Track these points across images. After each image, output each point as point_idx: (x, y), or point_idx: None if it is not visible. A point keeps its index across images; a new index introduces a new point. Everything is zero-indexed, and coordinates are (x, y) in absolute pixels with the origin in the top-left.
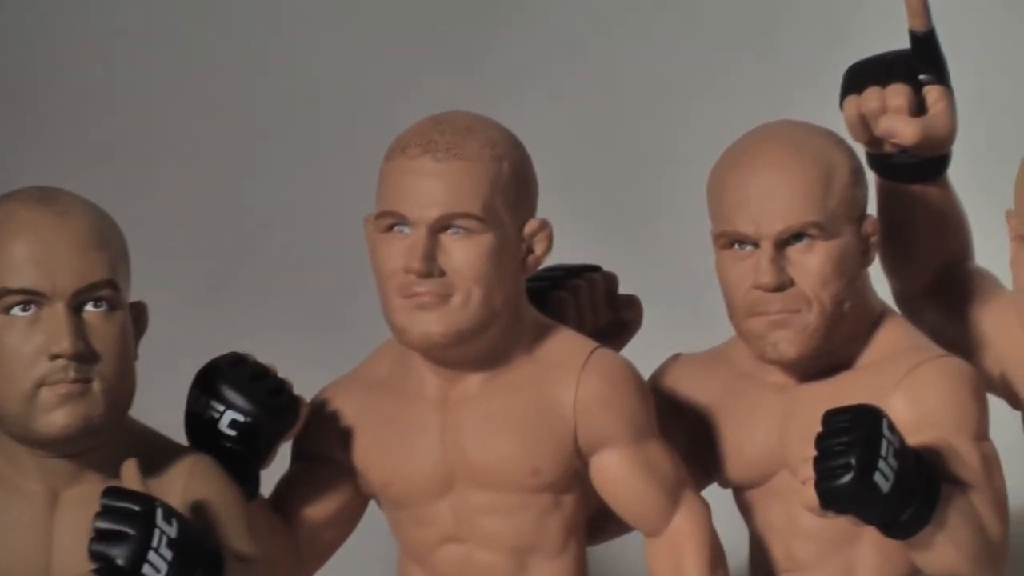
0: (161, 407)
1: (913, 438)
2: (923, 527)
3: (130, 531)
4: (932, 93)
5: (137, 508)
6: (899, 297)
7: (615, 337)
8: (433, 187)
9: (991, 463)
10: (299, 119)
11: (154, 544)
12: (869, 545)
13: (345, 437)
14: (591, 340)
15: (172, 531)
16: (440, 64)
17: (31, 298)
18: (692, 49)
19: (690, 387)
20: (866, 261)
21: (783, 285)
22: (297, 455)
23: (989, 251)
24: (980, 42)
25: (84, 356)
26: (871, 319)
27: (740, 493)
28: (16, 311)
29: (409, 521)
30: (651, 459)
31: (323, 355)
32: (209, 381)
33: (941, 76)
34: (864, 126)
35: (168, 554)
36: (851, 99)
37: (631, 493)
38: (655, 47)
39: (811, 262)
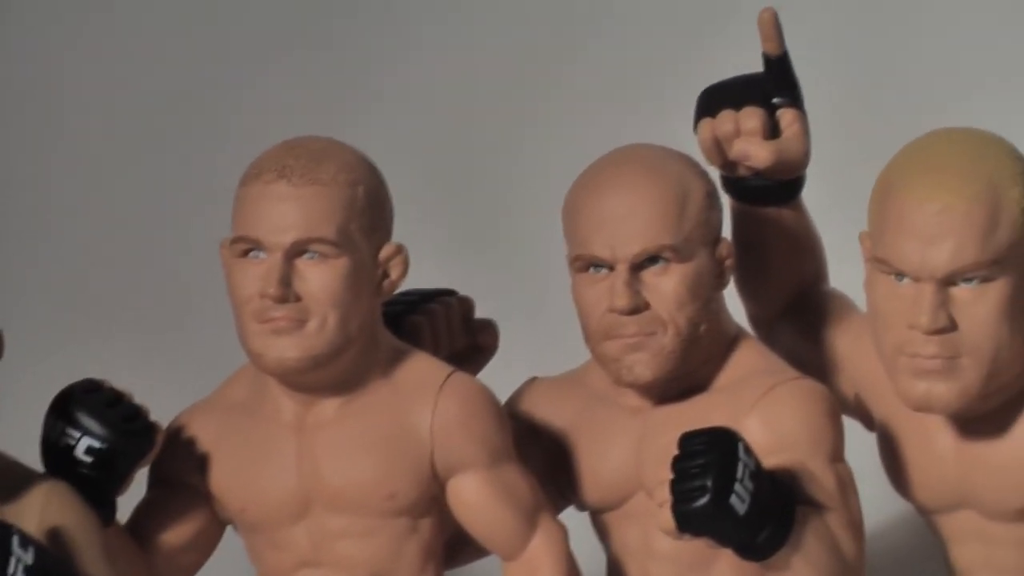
0: (14, 434)
1: (769, 460)
2: (779, 549)
3: None
4: (786, 116)
5: None
6: (754, 320)
7: (471, 361)
8: (288, 212)
9: (846, 485)
10: (150, 136)
11: (11, 571)
12: (726, 567)
13: (201, 462)
14: (447, 364)
15: (28, 558)
16: (297, 86)
17: None
18: (548, 76)
19: (546, 410)
20: (721, 284)
21: (638, 308)
22: (153, 481)
23: (843, 273)
24: (834, 66)
25: None
26: (726, 341)
27: (597, 516)
28: None
29: (265, 546)
30: (508, 483)
31: (178, 380)
32: (64, 407)
33: (795, 99)
34: (718, 149)
35: None
36: (705, 122)
37: (488, 517)
38: (512, 72)
39: (666, 285)
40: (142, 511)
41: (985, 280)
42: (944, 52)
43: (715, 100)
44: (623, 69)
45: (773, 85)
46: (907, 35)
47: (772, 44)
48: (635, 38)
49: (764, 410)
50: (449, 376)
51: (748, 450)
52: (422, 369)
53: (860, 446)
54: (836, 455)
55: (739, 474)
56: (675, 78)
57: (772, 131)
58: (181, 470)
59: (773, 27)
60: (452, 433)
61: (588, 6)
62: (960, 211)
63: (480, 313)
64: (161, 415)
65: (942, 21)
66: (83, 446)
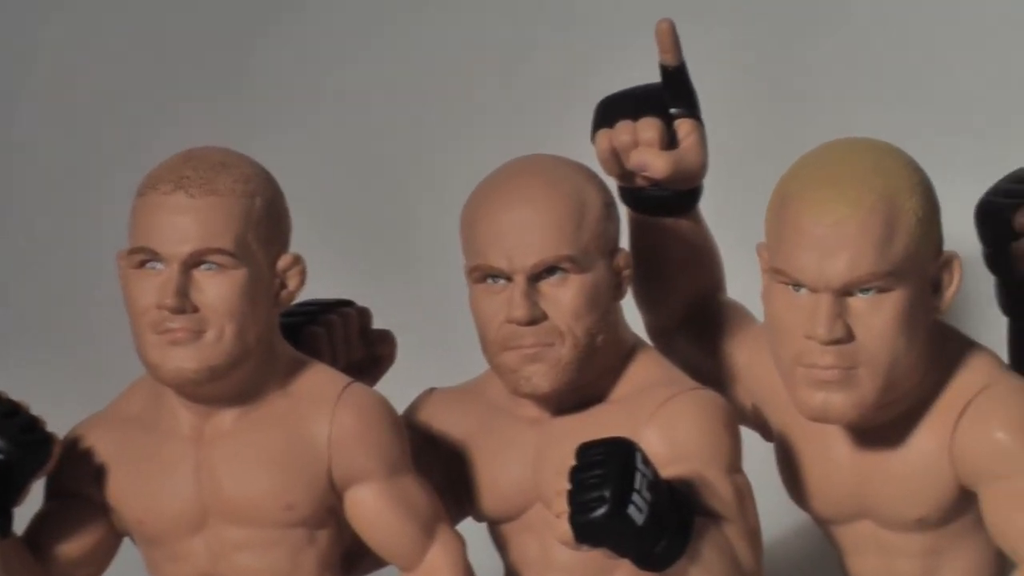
0: None
1: (666, 471)
2: (677, 560)
3: None
4: (683, 127)
5: None
6: (652, 330)
7: (369, 372)
8: (186, 223)
9: (744, 495)
10: (51, 149)
11: None
12: None
13: (98, 474)
14: (344, 375)
15: None
16: (193, 99)
17: None
18: (445, 86)
19: (444, 421)
20: (619, 294)
21: (536, 319)
22: (50, 492)
23: (741, 283)
24: (732, 77)
25: None
26: (624, 352)
27: (495, 527)
28: None
29: (163, 558)
30: (405, 494)
31: (75, 392)
32: None
33: (692, 110)
34: (616, 160)
35: None
36: (603, 133)
37: (385, 528)
38: (416, 84)
39: (564, 296)
40: (38, 523)
41: (882, 291)
42: (841, 63)
43: (612, 111)
44: (525, 81)
45: (671, 96)
46: (804, 46)
47: (670, 55)
48: (538, 53)
49: (662, 421)
50: (346, 387)
51: (646, 461)
52: (319, 380)
53: (758, 456)
54: (733, 465)
55: (637, 484)
56: (576, 91)
57: (670, 142)
58: (78, 482)
59: (670, 38)
60: (349, 444)
61: (497, 21)
62: (856, 222)
63: (378, 324)
64: (58, 427)
65: (839, 32)
66: None
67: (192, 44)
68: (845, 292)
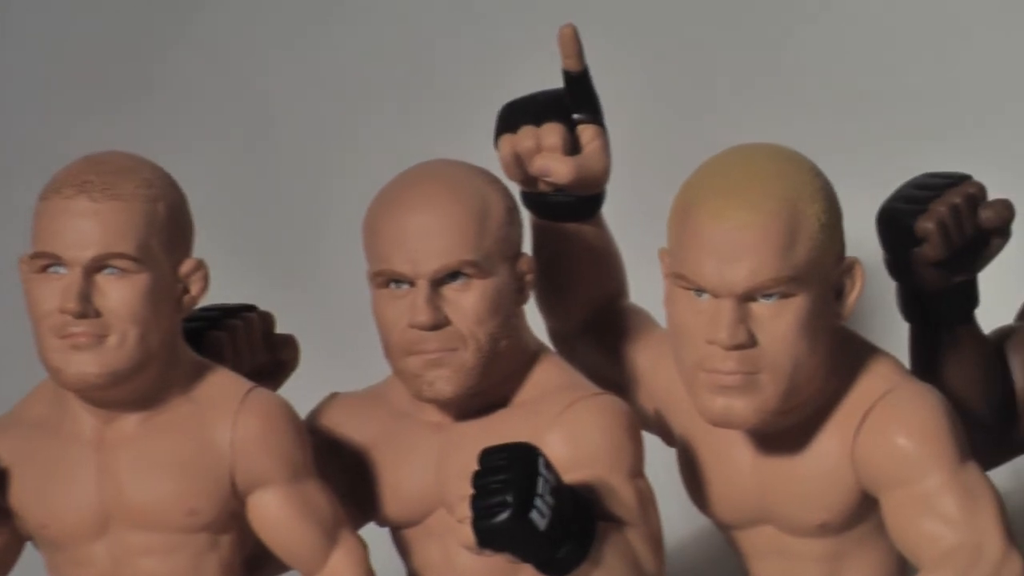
0: None
1: (569, 475)
2: (579, 565)
3: None
4: (586, 132)
5: None
6: (555, 335)
7: (272, 377)
8: (88, 227)
9: (646, 500)
10: None
11: None
12: None
13: (0, 478)
14: (247, 380)
15: None
16: (97, 104)
17: None
18: (348, 91)
19: (347, 426)
20: (522, 299)
21: (439, 324)
22: None
23: (643, 289)
24: (635, 82)
25: None
26: (527, 357)
27: (398, 532)
28: None
29: (66, 563)
30: (308, 499)
31: None
32: None
33: (595, 115)
34: (519, 165)
35: None
36: (506, 138)
37: (288, 533)
38: (311, 91)
39: (467, 301)
40: None
41: (784, 296)
42: (742, 69)
43: (516, 116)
44: (428, 86)
45: (574, 101)
46: (706, 53)
47: (573, 60)
48: (441, 58)
49: (564, 426)
50: (249, 392)
51: (549, 465)
52: (222, 385)
53: (660, 461)
54: (636, 470)
55: (540, 489)
56: (480, 96)
57: (573, 147)
58: None
59: (573, 43)
60: (252, 449)
61: (400, 27)
62: (758, 227)
63: (280, 328)
64: None
65: (741, 38)
66: None
67: (96, 49)
68: (747, 297)
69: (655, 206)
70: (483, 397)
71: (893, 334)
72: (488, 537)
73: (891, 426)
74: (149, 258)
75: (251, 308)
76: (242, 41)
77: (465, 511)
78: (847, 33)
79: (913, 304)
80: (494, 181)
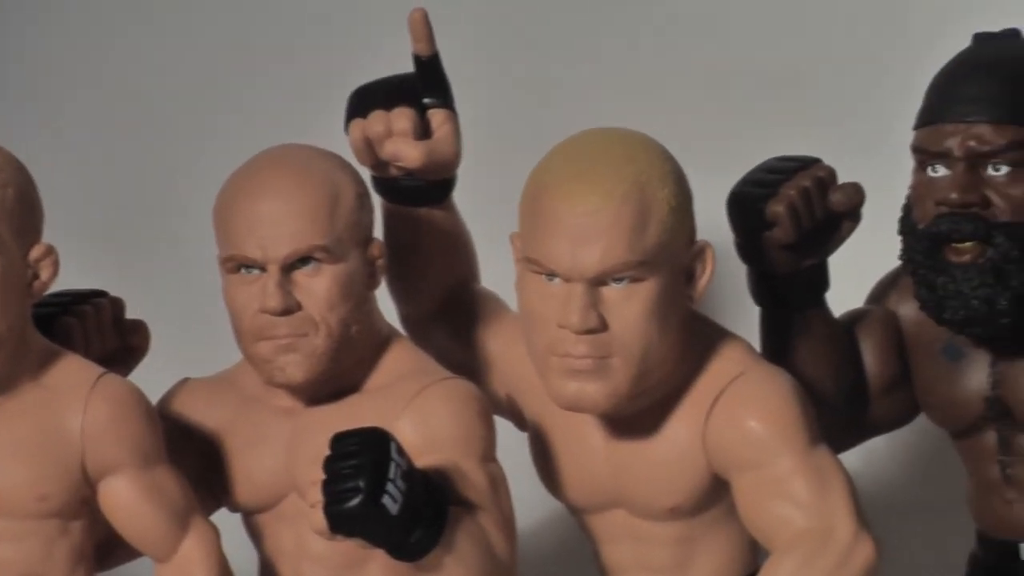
0: None
1: (421, 460)
2: (431, 549)
3: None
4: (437, 116)
5: None
6: (406, 320)
7: (122, 362)
8: None
9: (498, 484)
10: None
11: None
12: (378, 568)
13: None
14: (98, 366)
15: None
16: None
17: None
18: (197, 77)
19: (198, 412)
20: (373, 284)
21: (290, 309)
22: None
23: (495, 273)
24: (486, 67)
25: None
26: (378, 342)
27: (250, 517)
28: None
29: None
30: (159, 485)
31: None
32: None
33: (445, 99)
34: (369, 149)
35: None
36: (356, 122)
37: (139, 519)
38: (161, 77)
39: (318, 286)
40: None
41: (635, 280)
42: (593, 54)
43: (366, 101)
44: (278, 71)
45: (424, 85)
46: (556, 37)
47: (423, 45)
48: (291, 43)
49: (415, 411)
50: (100, 378)
51: (400, 450)
52: (73, 371)
53: (512, 446)
54: (487, 455)
55: (391, 474)
56: (330, 81)
57: (423, 132)
58: None
59: (423, 27)
60: (102, 435)
61: (252, 12)
62: (609, 212)
63: (131, 314)
64: None
65: (591, 22)
66: None
67: None
68: (598, 282)
69: (506, 190)
70: (335, 382)
71: (744, 317)
72: (340, 522)
73: (742, 409)
74: None
75: (102, 294)
76: (94, 28)
77: (317, 496)
78: (699, 18)
79: (764, 287)
80: (345, 166)
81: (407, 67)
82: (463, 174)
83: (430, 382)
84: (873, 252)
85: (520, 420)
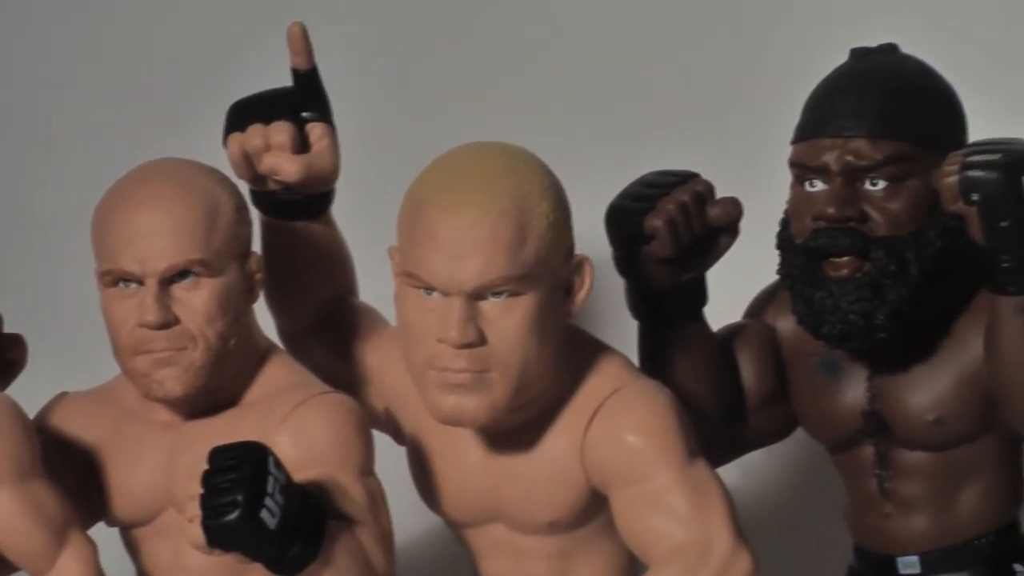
0: None
1: (299, 474)
2: (310, 564)
3: None
4: (315, 130)
5: None
6: (285, 334)
7: (0, 376)
8: None
9: (376, 498)
10: None
11: None
12: None
13: None
14: None
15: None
16: None
17: None
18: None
19: (76, 426)
20: (251, 298)
21: (168, 323)
22: None
23: (373, 287)
24: (364, 80)
25: None
26: (257, 356)
27: (127, 531)
28: None
29: None
30: (36, 499)
31: None
32: None
33: (324, 113)
34: (248, 163)
35: None
36: (234, 136)
37: (15, 533)
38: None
39: (196, 300)
40: None
41: (513, 294)
42: (473, 66)
43: (244, 114)
44: (155, 84)
45: (302, 99)
46: (436, 50)
47: (301, 58)
48: (170, 56)
49: (293, 425)
50: None
51: (278, 464)
52: None
53: (390, 460)
54: (366, 469)
55: (269, 489)
56: (209, 95)
57: (302, 145)
58: None
59: (302, 41)
60: None
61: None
62: (488, 226)
63: (9, 328)
64: None
65: (471, 35)
66: None
67: None
68: (477, 296)
69: (385, 204)
70: (213, 396)
71: (622, 332)
72: (218, 536)
73: (620, 424)
74: None
75: None
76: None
77: (195, 510)
78: (578, 32)
79: (642, 302)
80: (223, 180)
81: (286, 81)
82: (341, 187)
83: (308, 396)
84: (751, 266)
85: (398, 434)
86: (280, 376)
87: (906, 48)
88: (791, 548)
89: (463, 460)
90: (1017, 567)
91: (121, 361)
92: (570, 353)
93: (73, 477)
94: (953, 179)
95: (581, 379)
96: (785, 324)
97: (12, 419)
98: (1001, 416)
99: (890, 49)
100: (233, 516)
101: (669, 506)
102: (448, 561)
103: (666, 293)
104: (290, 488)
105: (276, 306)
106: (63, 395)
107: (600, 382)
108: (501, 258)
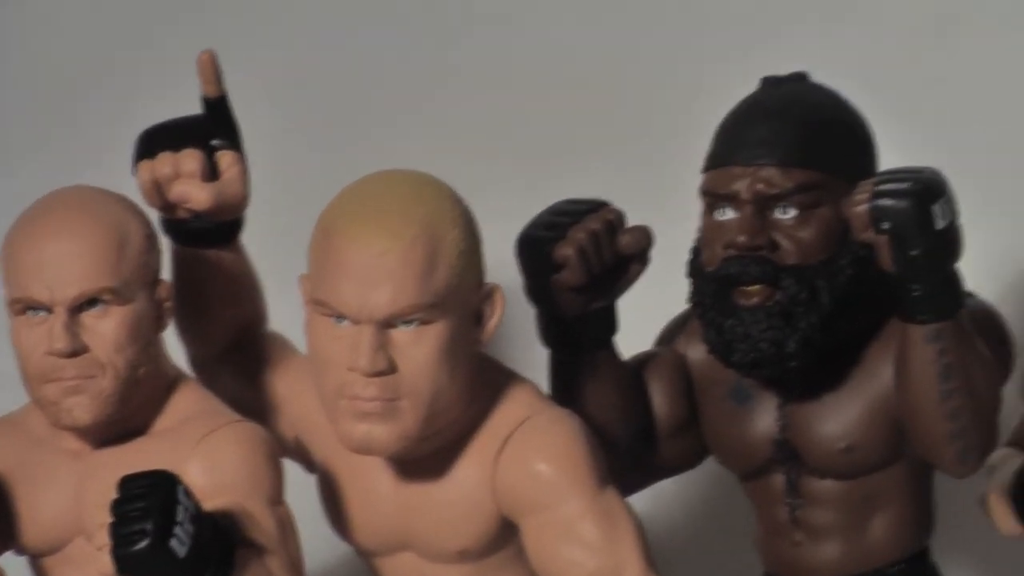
0: None
1: (209, 503)
2: None
3: None
4: (225, 158)
5: None
6: (194, 362)
7: None
8: None
9: (286, 527)
10: None
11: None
12: None
13: None
14: None
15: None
16: None
17: None
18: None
19: None
20: (161, 326)
21: (77, 351)
22: None
23: (284, 315)
24: (275, 106)
25: None
26: (166, 384)
27: (37, 560)
28: None
29: None
30: None
31: None
32: None
33: (234, 141)
34: (157, 191)
35: None
36: (144, 164)
37: None
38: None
39: (105, 327)
40: None
41: (424, 322)
42: (384, 95)
43: (154, 142)
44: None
45: (213, 127)
46: (346, 78)
47: (211, 86)
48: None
49: (203, 453)
50: None
51: (188, 493)
52: None
53: (300, 488)
54: (276, 497)
55: (179, 517)
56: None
57: (212, 173)
58: None
59: (212, 69)
60: None
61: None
62: (398, 254)
63: None
64: None
65: (383, 66)
66: None
67: None
68: (388, 324)
69: (295, 232)
70: (122, 424)
71: (533, 360)
72: (127, 565)
73: (530, 452)
74: None
75: None
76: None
77: (104, 539)
78: (489, 61)
79: (552, 330)
80: (132, 207)
81: (195, 109)
82: (251, 215)
83: (218, 425)
84: (661, 295)
85: (308, 463)
86: (189, 404)
87: (817, 77)
88: None
89: (373, 488)
90: None
91: (30, 389)
92: (481, 381)
93: None
94: (863, 208)
95: (492, 407)
96: (696, 352)
97: None
98: (910, 444)
99: (800, 78)
100: (142, 545)
101: (579, 535)
102: None
103: (576, 321)
104: (200, 517)
105: (186, 334)
106: None
107: (511, 410)
108: (411, 286)
